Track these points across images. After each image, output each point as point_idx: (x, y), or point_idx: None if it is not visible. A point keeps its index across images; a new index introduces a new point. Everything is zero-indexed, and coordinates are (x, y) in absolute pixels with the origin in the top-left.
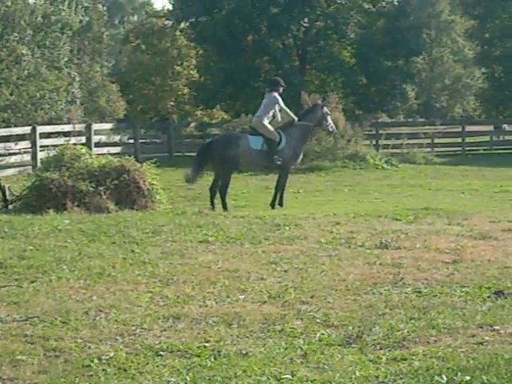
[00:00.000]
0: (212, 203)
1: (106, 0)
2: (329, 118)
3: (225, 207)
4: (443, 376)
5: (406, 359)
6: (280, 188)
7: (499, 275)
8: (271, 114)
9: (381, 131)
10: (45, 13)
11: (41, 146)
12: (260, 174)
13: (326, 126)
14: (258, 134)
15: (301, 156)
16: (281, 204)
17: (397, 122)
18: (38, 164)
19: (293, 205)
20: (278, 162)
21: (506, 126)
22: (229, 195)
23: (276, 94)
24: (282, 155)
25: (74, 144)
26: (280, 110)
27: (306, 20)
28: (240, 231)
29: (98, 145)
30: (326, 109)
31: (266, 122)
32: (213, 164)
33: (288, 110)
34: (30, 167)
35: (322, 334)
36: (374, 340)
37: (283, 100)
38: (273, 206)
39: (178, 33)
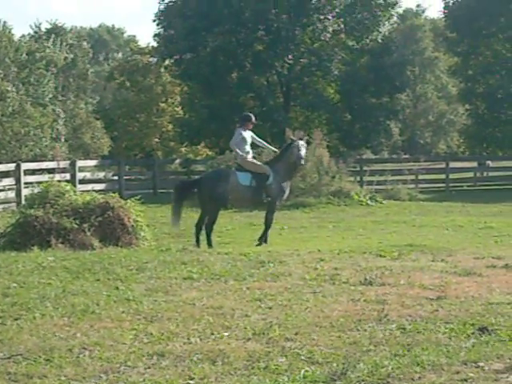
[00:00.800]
0: (197, 240)
1: (91, 37)
2: (300, 150)
3: (210, 244)
4: None
5: None
6: (268, 224)
7: (483, 311)
8: (247, 147)
9: (365, 167)
10: (29, 50)
11: (25, 183)
12: (245, 211)
13: (294, 155)
14: (245, 170)
15: (287, 192)
16: (265, 241)
17: (381, 159)
18: (23, 201)
19: (277, 241)
20: (265, 200)
21: (489, 163)
22: (214, 232)
23: (241, 130)
24: (270, 191)
25: (59, 181)
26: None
27: (290, 57)
28: (224, 268)
29: (82, 181)
30: (299, 142)
31: (249, 158)
32: (200, 201)
33: (261, 142)
34: (15, 204)
35: (307, 370)
36: (359, 377)
37: (258, 135)
38: (260, 242)
39: (162, 70)
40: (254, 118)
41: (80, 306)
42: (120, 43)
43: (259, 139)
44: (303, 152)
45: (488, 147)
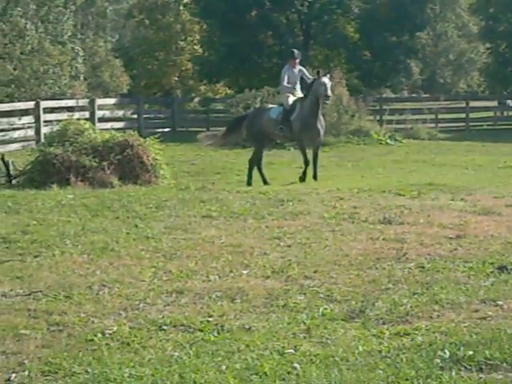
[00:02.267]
0: (249, 176)
1: None
2: (326, 89)
3: (264, 181)
4: (446, 351)
5: (409, 334)
6: (303, 161)
7: (502, 250)
8: (287, 82)
9: (384, 106)
10: None
11: (44, 121)
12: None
13: (319, 92)
14: (282, 105)
15: (318, 130)
16: (302, 179)
17: (401, 98)
18: (42, 139)
19: (296, 180)
20: (277, 132)
21: (509, 102)
22: (233, 171)
23: (287, 67)
24: (292, 126)
25: (78, 119)
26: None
27: None
28: (243, 206)
29: (101, 120)
30: (323, 80)
31: (283, 90)
32: (247, 138)
33: (306, 76)
34: (34, 142)
35: (325, 308)
36: (377, 315)
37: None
38: (315, 177)
39: (181, 7)
40: (295, 53)
41: (99, 243)
42: None
43: (309, 76)
44: (329, 90)
45: (508, 86)
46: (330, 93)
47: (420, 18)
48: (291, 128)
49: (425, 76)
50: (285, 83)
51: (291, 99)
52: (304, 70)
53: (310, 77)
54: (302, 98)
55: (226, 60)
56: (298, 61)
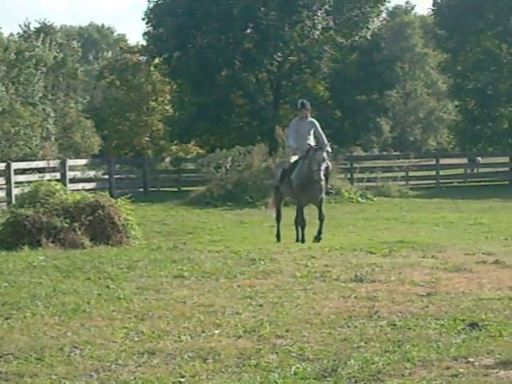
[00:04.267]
0: (298, 235)
1: (81, 36)
2: (319, 169)
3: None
4: None
5: None
6: (296, 220)
7: (474, 307)
8: (294, 137)
9: (355, 165)
10: (18, 49)
11: (15, 183)
12: (235, 209)
13: (312, 169)
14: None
15: (314, 189)
16: (297, 239)
17: (371, 156)
18: (13, 200)
19: (268, 239)
20: (274, 190)
21: (479, 159)
22: (204, 230)
23: (295, 121)
24: (293, 185)
25: (49, 180)
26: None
27: (279, 54)
28: (215, 266)
29: (72, 181)
30: (319, 156)
31: (289, 148)
32: None
33: (320, 135)
34: (5, 203)
35: (297, 367)
36: (349, 373)
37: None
38: (317, 239)
39: (152, 68)
40: (299, 104)
41: (71, 304)
42: (110, 42)
43: (320, 132)
44: (321, 174)
45: (478, 143)
46: (321, 177)
47: (389, 76)
48: (291, 186)
49: (395, 134)
50: (290, 141)
51: (293, 159)
52: (316, 123)
53: (321, 133)
54: (302, 157)
55: (196, 120)
56: (306, 111)
